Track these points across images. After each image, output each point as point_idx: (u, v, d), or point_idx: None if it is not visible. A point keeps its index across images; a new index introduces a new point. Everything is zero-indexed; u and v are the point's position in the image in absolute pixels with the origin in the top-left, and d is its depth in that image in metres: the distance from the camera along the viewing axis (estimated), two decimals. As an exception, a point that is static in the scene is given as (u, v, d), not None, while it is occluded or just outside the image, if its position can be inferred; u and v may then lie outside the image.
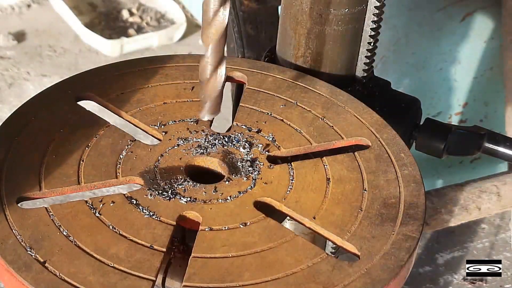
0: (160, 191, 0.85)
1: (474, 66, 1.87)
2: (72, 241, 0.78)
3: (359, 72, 1.14)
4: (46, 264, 0.75)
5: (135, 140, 0.93)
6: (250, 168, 0.90)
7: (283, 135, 0.96)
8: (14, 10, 2.81)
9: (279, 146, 0.94)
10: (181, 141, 0.93)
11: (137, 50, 2.62)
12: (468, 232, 2.02)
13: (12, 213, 0.81)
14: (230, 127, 0.97)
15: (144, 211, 0.83)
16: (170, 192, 0.85)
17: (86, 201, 0.83)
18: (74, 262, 0.76)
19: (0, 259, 0.76)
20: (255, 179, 0.89)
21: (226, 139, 0.94)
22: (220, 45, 0.80)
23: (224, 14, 0.78)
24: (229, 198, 0.86)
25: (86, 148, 0.90)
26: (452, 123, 1.79)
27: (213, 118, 0.93)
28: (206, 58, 0.80)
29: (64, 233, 0.79)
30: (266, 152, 0.93)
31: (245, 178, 0.89)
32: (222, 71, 0.82)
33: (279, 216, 0.86)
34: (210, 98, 0.83)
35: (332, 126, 0.98)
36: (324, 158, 0.93)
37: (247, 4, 1.66)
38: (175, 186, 0.86)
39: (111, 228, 0.80)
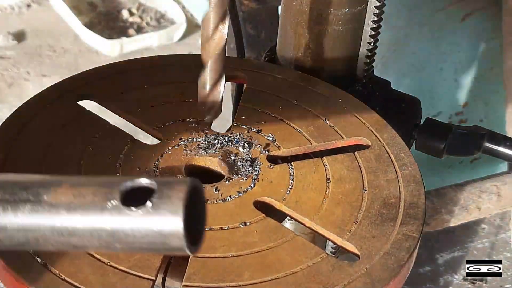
0: (160, 191, 0.85)
1: (474, 66, 1.87)
2: (72, 241, 0.78)
3: (359, 72, 1.14)
4: (46, 264, 0.75)
5: (135, 140, 0.93)
6: (250, 168, 0.90)
7: (283, 135, 0.96)
8: (14, 10, 2.82)
9: (279, 146, 0.94)
10: (181, 141, 0.93)
11: (137, 50, 2.63)
12: (468, 232, 2.02)
13: (12, 213, 0.81)
14: (230, 127, 0.97)
15: (144, 211, 0.82)
16: (170, 192, 0.85)
17: (86, 201, 0.83)
18: (74, 262, 0.76)
19: (0, 259, 0.76)
20: (255, 179, 0.89)
21: (226, 139, 0.94)
22: (220, 61, 0.80)
23: (223, 31, 0.79)
24: (229, 197, 0.86)
25: (86, 148, 0.90)
26: (452, 123, 1.79)
27: (213, 118, 0.93)
28: (205, 74, 0.81)
29: (64, 233, 0.79)
30: (266, 152, 0.93)
31: (245, 178, 0.88)
32: (221, 87, 0.83)
33: (279, 216, 0.86)
34: (209, 111, 0.84)
35: (332, 126, 0.98)
36: (324, 158, 0.92)
37: (247, 4, 1.66)
38: (175, 186, 0.86)
39: (111, 228, 0.80)
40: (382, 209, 0.85)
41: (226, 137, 0.94)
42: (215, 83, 0.82)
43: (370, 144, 0.95)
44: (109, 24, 2.79)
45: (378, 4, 1.07)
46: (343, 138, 0.96)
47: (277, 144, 0.94)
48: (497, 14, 1.78)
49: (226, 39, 0.80)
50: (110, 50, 2.61)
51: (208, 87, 0.82)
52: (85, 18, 2.76)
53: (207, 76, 0.82)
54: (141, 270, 0.76)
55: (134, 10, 2.87)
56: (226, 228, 0.82)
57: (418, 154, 1.12)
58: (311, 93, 1.03)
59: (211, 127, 0.96)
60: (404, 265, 0.79)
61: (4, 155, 0.88)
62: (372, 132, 0.97)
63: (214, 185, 0.87)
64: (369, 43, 1.11)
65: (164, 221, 0.50)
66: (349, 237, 0.81)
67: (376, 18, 1.08)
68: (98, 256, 0.77)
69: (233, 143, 0.93)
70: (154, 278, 0.75)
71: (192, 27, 2.79)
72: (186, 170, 0.89)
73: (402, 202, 0.86)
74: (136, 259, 0.77)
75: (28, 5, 2.84)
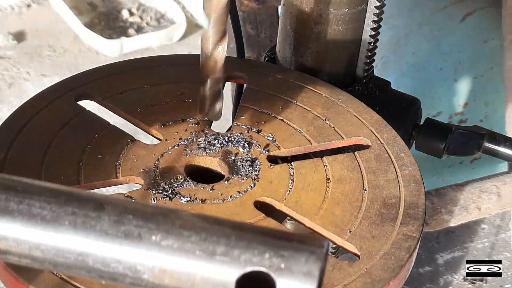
0: (160, 191, 0.85)
1: (474, 66, 1.87)
2: (72, 241, 0.78)
3: (359, 72, 1.14)
4: (46, 264, 0.75)
5: (135, 140, 0.93)
6: (250, 168, 0.90)
7: (283, 135, 0.96)
8: (14, 10, 2.82)
9: (279, 146, 0.94)
10: (181, 141, 0.93)
11: (137, 50, 2.63)
12: (468, 232, 2.02)
13: (12, 213, 0.81)
14: (230, 127, 0.97)
15: (144, 211, 0.83)
16: (170, 192, 0.85)
17: (86, 201, 0.83)
18: (74, 262, 0.76)
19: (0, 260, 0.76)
20: (255, 179, 0.89)
21: (226, 139, 0.94)
22: (219, 80, 0.82)
23: (223, 50, 0.81)
24: (229, 198, 0.86)
25: (86, 148, 0.90)
26: (452, 123, 1.79)
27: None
28: (206, 91, 0.84)
29: (64, 233, 0.79)
30: (266, 152, 0.93)
31: (245, 178, 0.88)
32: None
33: (279, 216, 0.86)
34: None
35: (333, 126, 0.98)
36: (324, 158, 0.92)
37: (247, 4, 1.66)
38: (175, 186, 0.86)
39: (111, 228, 0.80)
40: (382, 209, 0.85)
41: (226, 137, 0.94)
42: (215, 99, 0.84)
43: (370, 144, 0.95)
44: (109, 24, 2.79)
45: (378, 4, 1.07)
46: (343, 138, 0.96)
47: (277, 144, 0.94)
48: (497, 14, 1.77)
49: (225, 57, 0.82)
50: (110, 50, 2.61)
51: (208, 103, 0.85)
52: (85, 18, 2.76)
53: (207, 94, 0.83)
54: (141, 270, 0.75)
55: (134, 10, 2.87)
56: (226, 228, 0.82)
57: (418, 154, 1.12)
58: (311, 93, 1.03)
59: (211, 127, 0.97)
60: (404, 265, 0.79)
61: (4, 155, 0.88)
62: (372, 132, 0.97)
63: (213, 185, 0.87)
64: (369, 43, 1.11)
65: None
66: (349, 237, 0.81)
67: (376, 18, 1.08)
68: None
69: (233, 143, 0.93)
70: (154, 278, 0.75)
71: (192, 27, 2.79)
72: (186, 170, 0.89)
73: (402, 202, 0.86)
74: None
75: (28, 5, 2.84)
